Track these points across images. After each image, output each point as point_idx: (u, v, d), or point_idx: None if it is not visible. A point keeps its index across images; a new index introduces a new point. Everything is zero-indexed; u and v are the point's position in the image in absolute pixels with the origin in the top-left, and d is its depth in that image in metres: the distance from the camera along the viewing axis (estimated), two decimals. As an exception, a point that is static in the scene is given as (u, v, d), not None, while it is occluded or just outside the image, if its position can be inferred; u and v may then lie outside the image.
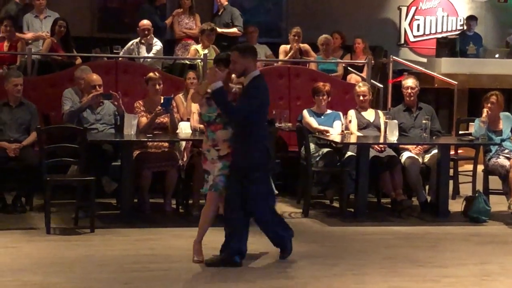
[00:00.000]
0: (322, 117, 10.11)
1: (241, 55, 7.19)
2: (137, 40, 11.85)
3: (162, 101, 9.33)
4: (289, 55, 12.52)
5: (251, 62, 7.28)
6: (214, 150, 7.18)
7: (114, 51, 12.20)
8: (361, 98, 10.15)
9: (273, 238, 7.53)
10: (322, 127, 9.94)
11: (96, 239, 8.26)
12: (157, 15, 12.65)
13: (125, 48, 11.96)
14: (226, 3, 13.05)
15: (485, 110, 9.90)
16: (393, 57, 13.17)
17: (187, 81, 10.18)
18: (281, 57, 12.70)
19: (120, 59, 11.75)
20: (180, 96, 10.08)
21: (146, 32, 11.77)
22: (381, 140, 9.82)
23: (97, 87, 9.39)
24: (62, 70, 11.27)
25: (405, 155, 9.93)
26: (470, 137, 10.05)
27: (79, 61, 11.66)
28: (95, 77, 9.48)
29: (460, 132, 11.11)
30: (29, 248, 7.84)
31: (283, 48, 12.75)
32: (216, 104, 7.10)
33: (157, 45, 11.83)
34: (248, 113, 7.11)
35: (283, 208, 9.97)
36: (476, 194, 9.65)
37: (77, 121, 9.41)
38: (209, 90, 7.07)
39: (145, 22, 11.83)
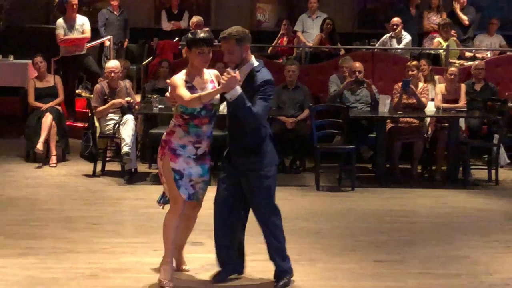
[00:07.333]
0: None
1: (238, 43, 5.14)
2: (389, 34, 11.88)
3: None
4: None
5: (248, 50, 5.23)
6: (193, 147, 5.27)
7: (371, 43, 12.44)
8: None
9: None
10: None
11: (356, 196, 8.40)
12: (408, 12, 12.59)
13: (380, 41, 12.05)
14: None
15: None
16: None
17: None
18: (516, 47, 12.35)
19: (375, 50, 11.86)
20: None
21: (395, 27, 11.72)
22: None
23: (357, 73, 9.45)
24: (329, 59, 11.54)
25: None
26: None
27: (342, 52, 11.86)
28: (358, 65, 9.57)
29: None
30: (303, 201, 8.12)
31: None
32: (238, 111, 5.07)
33: (406, 38, 11.78)
34: (265, 115, 5.22)
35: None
36: None
37: (341, 101, 9.55)
38: (228, 98, 5.05)
39: (395, 19, 11.80)
